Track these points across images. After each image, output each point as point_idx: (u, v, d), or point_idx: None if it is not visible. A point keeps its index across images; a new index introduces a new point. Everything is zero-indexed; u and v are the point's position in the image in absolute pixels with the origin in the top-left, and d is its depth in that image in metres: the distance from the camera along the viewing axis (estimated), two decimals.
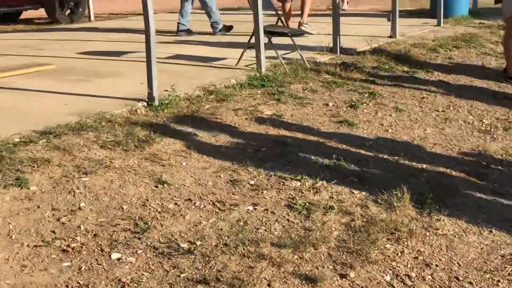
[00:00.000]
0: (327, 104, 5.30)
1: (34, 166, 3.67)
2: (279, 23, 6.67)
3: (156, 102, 4.91)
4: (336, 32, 7.13)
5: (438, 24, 9.31)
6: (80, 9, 12.86)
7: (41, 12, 12.66)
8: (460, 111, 5.30)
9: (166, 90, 5.12)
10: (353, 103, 5.31)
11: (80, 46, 8.09)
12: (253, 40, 6.15)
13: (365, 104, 5.31)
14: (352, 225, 3.20)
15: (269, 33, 6.19)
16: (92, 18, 12.45)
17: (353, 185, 3.65)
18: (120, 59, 7.04)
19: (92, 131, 4.27)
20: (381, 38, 8.18)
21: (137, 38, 8.83)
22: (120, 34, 9.49)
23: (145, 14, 4.78)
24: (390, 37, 8.20)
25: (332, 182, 3.66)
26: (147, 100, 4.96)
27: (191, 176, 3.71)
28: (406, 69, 6.63)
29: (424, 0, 13.15)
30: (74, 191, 3.44)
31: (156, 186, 3.56)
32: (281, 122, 4.75)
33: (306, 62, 6.49)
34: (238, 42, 8.01)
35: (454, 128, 4.84)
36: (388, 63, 6.73)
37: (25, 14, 13.26)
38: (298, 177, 3.71)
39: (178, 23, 9.13)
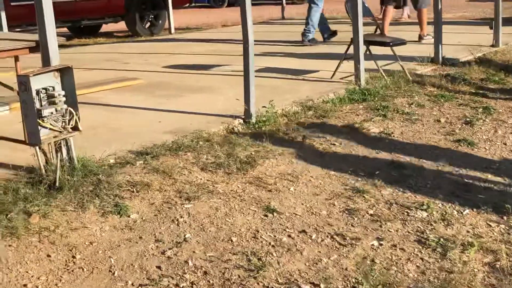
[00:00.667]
0: (439, 120, 4.82)
1: (133, 191, 3.40)
2: (377, 32, 6.23)
3: (253, 119, 4.59)
4: (438, 41, 6.63)
5: None
6: (160, 22, 12.84)
7: (121, 25, 12.71)
8: None
9: (264, 106, 4.78)
10: (467, 119, 4.81)
11: (164, 60, 7.93)
12: (350, 51, 5.76)
13: (481, 121, 4.80)
14: (498, 266, 2.74)
15: (369, 42, 5.77)
16: (173, 30, 12.38)
17: (488, 216, 3.18)
18: (207, 73, 6.80)
19: (190, 151, 3.99)
20: (483, 47, 7.61)
21: (221, 51, 8.64)
22: (203, 46, 9.31)
23: (243, 23, 4.48)
24: (493, 46, 7.61)
25: (463, 212, 3.21)
26: (243, 116, 4.65)
27: (302, 204, 3.34)
28: None
29: None
30: (177, 220, 3.14)
31: (266, 215, 3.20)
32: (392, 141, 4.32)
33: (407, 73, 6.03)
34: (328, 53, 7.65)
35: None
36: (497, 75, 6.17)
37: (105, 27, 13.38)
38: (424, 207, 3.27)
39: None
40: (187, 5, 14.78)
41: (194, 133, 4.32)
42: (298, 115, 4.83)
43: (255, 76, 6.32)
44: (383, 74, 5.81)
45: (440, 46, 6.62)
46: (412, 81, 5.90)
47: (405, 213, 3.23)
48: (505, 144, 4.30)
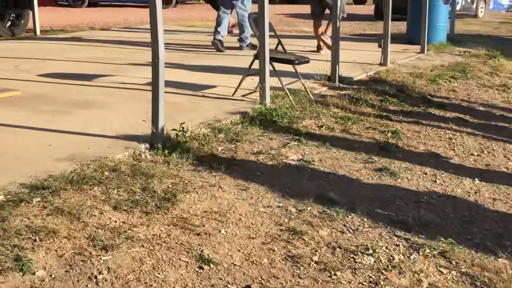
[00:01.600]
0: (353, 146, 4.64)
1: (35, 240, 2.80)
2: (279, 48, 5.97)
3: (161, 143, 4.10)
4: (335, 60, 6.51)
5: (422, 51, 8.90)
6: (23, 21, 11.68)
7: None
8: (496, 155, 4.77)
9: (174, 129, 4.31)
10: (381, 145, 4.68)
11: (38, 67, 7.12)
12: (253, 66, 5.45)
13: (394, 147, 4.69)
14: None
15: (273, 59, 5.48)
16: (38, 32, 11.33)
17: (437, 261, 2.98)
18: (92, 84, 6.14)
19: (96, 185, 3.42)
20: (372, 65, 7.66)
21: (100, 58, 7.96)
22: (78, 52, 8.54)
23: (153, 35, 3.98)
24: (381, 64, 7.68)
25: (411, 257, 2.99)
26: (150, 140, 4.15)
27: (239, 250, 2.94)
28: (414, 102, 6.08)
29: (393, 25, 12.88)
30: (95, 277, 2.60)
31: (201, 267, 2.76)
32: (313, 171, 4.05)
33: (310, 93, 5.83)
34: (219, 66, 7.30)
35: (500, 178, 4.28)
36: (395, 96, 6.17)
37: None
38: (369, 251, 3.00)
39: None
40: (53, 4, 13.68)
41: (96, 160, 3.75)
42: (209, 138, 4.41)
43: (146, 90, 5.83)
44: (288, 94, 5.55)
45: (337, 65, 6.51)
46: (315, 101, 5.71)
47: (352, 259, 2.94)
48: (425, 173, 4.20)
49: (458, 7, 14.27)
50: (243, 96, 5.70)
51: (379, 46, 7.67)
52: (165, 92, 5.77)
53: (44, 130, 4.38)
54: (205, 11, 15.01)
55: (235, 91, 5.70)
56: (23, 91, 5.62)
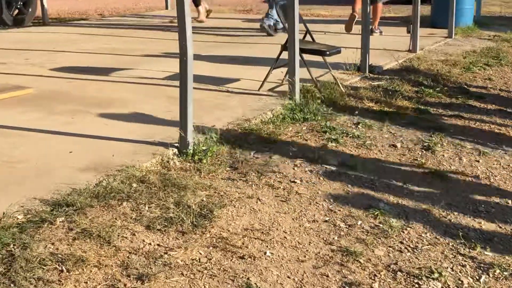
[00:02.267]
0: (395, 146, 4.29)
1: (62, 270, 2.49)
2: (307, 38, 5.60)
3: (191, 149, 3.77)
4: (365, 48, 6.14)
5: (450, 36, 8.49)
6: (31, 9, 11.31)
7: None
8: None
9: (204, 133, 3.97)
10: (425, 144, 4.32)
11: (50, 59, 6.79)
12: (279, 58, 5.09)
13: (439, 145, 4.33)
14: None
15: (303, 50, 5.12)
16: (47, 20, 10.97)
17: (510, 284, 2.66)
18: (110, 79, 5.81)
19: (125, 199, 3.11)
20: (401, 52, 7.28)
21: (116, 49, 7.62)
22: (92, 42, 8.20)
23: (181, 31, 3.62)
24: (410, 51, 7.30)
25: (480, 280, 2.66)
26: (178, 145, 3.82)
27: (288, 277, 2.61)
28: (451, 93, 5.71)
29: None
30: None
31: None
32: (357, 177, 3.70)
33: (341, 85, 5.47)
34: (242, 56, 6.93)
35: None
36: (430, 87, 5.79)
37: None
38: (435, 275, 2.67)
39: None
40: None
41: (122, 170, 3.43)
42: (240, 141, 4.08)
43: (167, 85, 5.51)
44: (319, 88, 5.21)
45: (367, 54, 6.14)
46: (347, 94, 5.36)
47: (417, 285, 2.61)
48: (477, 176, 3.85)
49: None
50: (270, 90, 5.36)
51: (408, 32, 7.29)
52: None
53: (63, 134, 4.06)
54: None
55: (261, 85, 5.36)
56: (36, 88, 5.30)
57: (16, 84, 5.35)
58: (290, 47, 4.93)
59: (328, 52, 5.23)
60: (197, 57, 6.92)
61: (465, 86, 5.95)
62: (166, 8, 13.13)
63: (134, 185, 3.28)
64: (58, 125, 4.24)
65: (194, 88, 5.37)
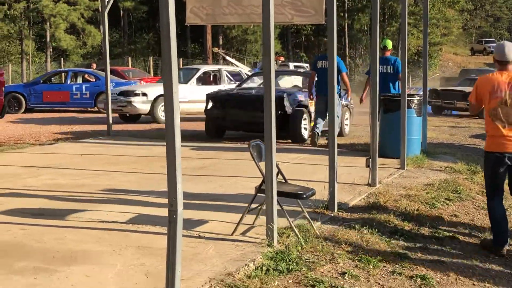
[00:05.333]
0: None
1: None
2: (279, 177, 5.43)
3: None
4: (333, 183, 6.02)
5: (402, 167, 8.57)
6: None
7: None
8: None
9: None
10: None
11: None
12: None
13: None
14: None
15: (279, 193, 4.92)
16: None
17: None
18: (68, 225, 5.34)
19: None
20: (360, 186, 7.24)
21: (64, 185, 7.21)
22: (36, 178, 7.71)
23: (171, 187, 3.34)
24: (370, 185, 7.27)
25: None
26: None
27: None
28: (424, 233, 5.61)
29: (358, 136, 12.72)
30: None
31: None
32: None
33: (315, 228, 5.28)
34: (202, 194, 6.66)
35: None
36: (401, 227, 5.69)
37: None
38: None
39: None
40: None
41: None
42: None
43: (133, 231, 5.13)
44: (297, 232, 4.98)
45: (335, 191, 6.03)
46: (323, 238, 5.15)
47: None
48: None
49: None
50: (242, 234, 5.09)
51: (367, 166, 7.29)
52: (152, 232, 5.15)
53: None
54: None
55: (234, 230, 5.08)
56: None
57: None
58: (268, 192, 4.74)
59: (305, 195, 5.06)
60: (149, 193, 6.66)
61: (435, 226, 5.85)
62: (109, 134, 12.85)
63: None
64: None
65: (162, 234, 5.06)
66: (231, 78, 17.81)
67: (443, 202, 6.73)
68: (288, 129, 11.39)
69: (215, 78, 17.61)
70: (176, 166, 3.32)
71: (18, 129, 14.55)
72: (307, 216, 5.32)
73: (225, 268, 4.24)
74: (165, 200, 6.04)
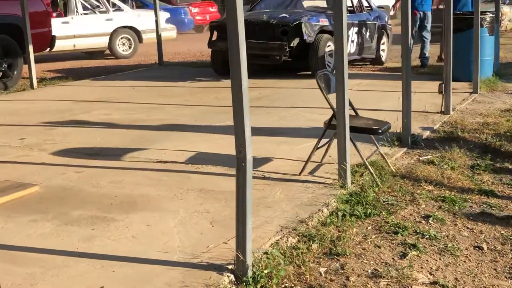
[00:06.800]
0: (481, 248, 3.60)
1: None
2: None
3: (250, 273, 3.05)
4: (407, 117, 5.51)
5: (475, 91, 7.93)
6: (16, 72, 10.52)
7: None
8: None
9: (266, 252, 3.24)
10: None
11: (48, 140, 6.02)
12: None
13: None
14: None
15: (351, 129, 4.44)
16: (35, 84, 10.16)
17: None
18: (125, 166, 5.04)
19: None
20: (433, 114, 6.69)
21: (119, 120, 6.89)
22: (89, 113, 7.43)
23: (238, 133, 2.92)
24: (443, 112, 6.70)
25: None
26: (232, 269, 3.09)
27: None
28: (510, 167, 5.08)
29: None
30: None
31: None
32: None
33: (391, 166, 4.82)
34: (263, 127, 6.23)
35: None
36: (484, 160, 5.15)
37: None
38: None
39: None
40: (47, 50, 12.45)
41: None
42: (301, 254, 3.36)
43: (188, 171, 4.80)
44: (373, 173, 4.54)
45: (409, 122, 5.52)
46: (400, 176, 4.70)
47: None
48: None
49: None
50: (310, 174, 4.68)
51: (440, 92, 6.70)
52: (213, 173, 4.79)
53: (85, 257, 3.30)
54: None
55: (302, 169, 4.67)
56: (42, 183, 4.54)
57: (18, 179, 4.59)
58: (340, 128, 4.28)
59: (380, 131, 4.58)
60: (209, 128, 6.28)
61: None
62: (160, 64, 12.49)
63: None
64: (77, 243, 3.48)
65: (222, 174, 4.71)
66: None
67: None
68: (309, 59, 9.59)
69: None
70: (243, 107, 2.89)
71: (66, 63, 14.30)
72: (381, 152, 4.86)
73: (296, 214, 3.86)
74: (223, 136, 5.73)
